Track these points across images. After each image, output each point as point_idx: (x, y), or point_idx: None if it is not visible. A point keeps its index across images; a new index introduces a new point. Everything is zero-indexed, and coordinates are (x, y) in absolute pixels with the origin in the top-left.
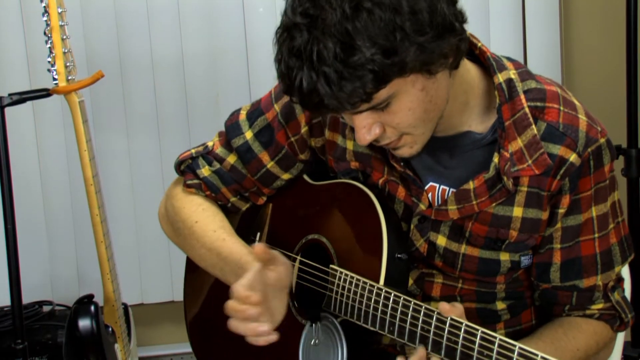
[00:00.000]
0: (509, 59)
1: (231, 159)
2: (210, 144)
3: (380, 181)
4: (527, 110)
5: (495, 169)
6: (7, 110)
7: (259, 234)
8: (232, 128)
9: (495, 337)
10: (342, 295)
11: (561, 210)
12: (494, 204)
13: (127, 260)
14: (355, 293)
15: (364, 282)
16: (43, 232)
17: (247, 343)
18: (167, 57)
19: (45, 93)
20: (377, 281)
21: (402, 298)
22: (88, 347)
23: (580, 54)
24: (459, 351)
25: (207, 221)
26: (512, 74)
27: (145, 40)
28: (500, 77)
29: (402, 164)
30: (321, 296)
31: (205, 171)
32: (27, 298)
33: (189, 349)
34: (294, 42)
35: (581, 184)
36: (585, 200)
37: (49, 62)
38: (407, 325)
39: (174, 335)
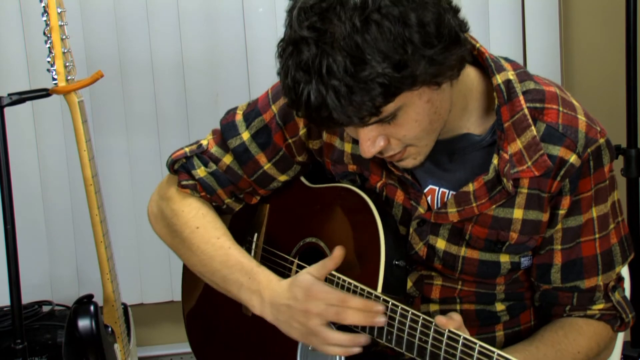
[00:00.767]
0: (507, 59)
1: (227, 159)
2: (204, 142)
3: (379, 184)
4: (526, 111)
5: (495, 171)
6: (7, 110)
7: (256, 235)
8: (228, 128)
9: (493, 352)
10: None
11: (562, 212)
12: (494, 206)
13: (126, 260)
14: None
15: (362, 289)
16: (43, 232)
17: (245, 343)
18: (167, 57)
19: (44, 93)
20: (375, 288)
21: (399, 307)
22: (88, 347)
23: (580, 54)
24: None
25: (209, 227)
26: (511, 74)
27: (144, 40)
28: (499, 79)
29: (410, 169)
30: None
31: (200, 172)
32: (26, 298)
33: (189, 349)
34: (302, 56)
35: (581, 185)
36: (586, 201)
37: (48, 62)
38: (405, 335)
39: (174, 335)
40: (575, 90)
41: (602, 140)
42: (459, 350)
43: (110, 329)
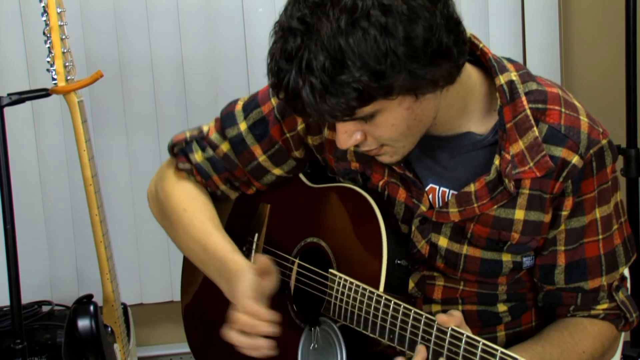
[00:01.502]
0: (509, 60)
1: (224, 147)
2: (205, 128)
3: (380, 183)
4: (528, 112)
5: (497, 171)
6: (6, 110)
7: (256, 235)
8: (227, 117)
9: (497, 350)
10: (341, 300)
11: (564, 213)
12: (495, 207)
13: (126, 260)
14: (354, 299)
15: (364, 289)
16: (42, 232)
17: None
18: (167, 57)
19: (44, 93)
20: (377, 287)
21: (402, 306)
22: (87, 347)
23: (580, 54)
24: None
25: (196, 211)
26: (514, 75)
27: (144, 40)
28: (502, 79)
29: (402, 165)
30: (320, 300)
31: (198, 157)
32: (26, 298)
33: (188, 349)
34: (287, 45)
35: (584, 186)
36: (589, 202)
37: (48, 62)
38: (407, 334)
39: (173, 335)
40: (575, 90)
41: (604, 141)
42: (462, 348)
43: (110, 329)
